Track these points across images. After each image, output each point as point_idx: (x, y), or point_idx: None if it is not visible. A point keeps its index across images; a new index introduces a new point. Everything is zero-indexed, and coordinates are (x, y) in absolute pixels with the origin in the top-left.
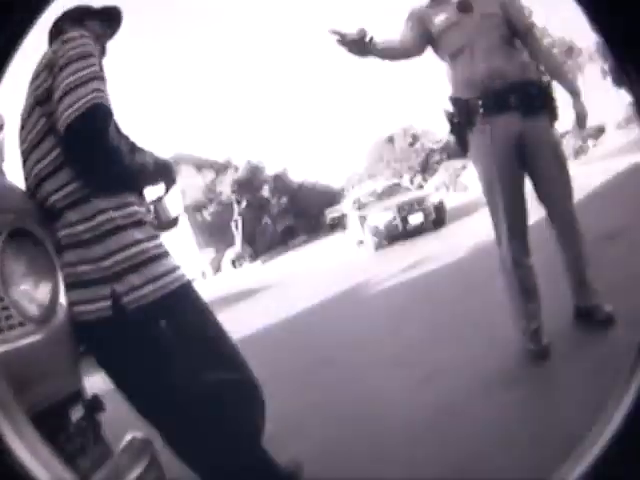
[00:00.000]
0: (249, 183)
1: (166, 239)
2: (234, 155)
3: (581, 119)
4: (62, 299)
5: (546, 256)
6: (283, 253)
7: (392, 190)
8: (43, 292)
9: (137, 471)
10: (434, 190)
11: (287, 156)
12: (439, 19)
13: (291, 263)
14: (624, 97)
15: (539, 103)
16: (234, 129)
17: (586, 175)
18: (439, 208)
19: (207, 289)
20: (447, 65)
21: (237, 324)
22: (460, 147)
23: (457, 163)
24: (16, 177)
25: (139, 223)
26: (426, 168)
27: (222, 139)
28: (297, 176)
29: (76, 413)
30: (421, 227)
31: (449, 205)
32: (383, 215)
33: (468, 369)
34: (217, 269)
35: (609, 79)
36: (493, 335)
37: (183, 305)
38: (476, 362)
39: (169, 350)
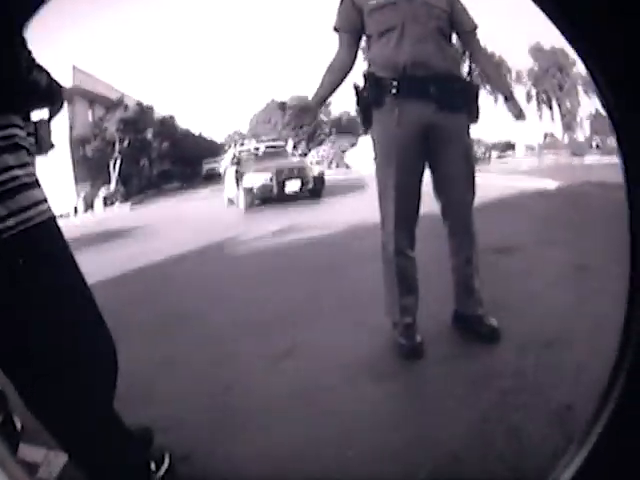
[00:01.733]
0: (134, 123)
1: (44, 167)
2: (126, 94)
3: (521, 114)
4: None
5: (430, 252)
6: (155, 198)
7: (274, 153)
8: None
9: None
10: (316, 161)
11: (176, 102)
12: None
13: (161, 209)
14: (545, 124)
15: (459, 100)
16: (131, 67)
17: (484, 185)
18: (318, 179)
19: (75, 225)
20: (369, 42)
21: (95, 266)
22: (363, 123)
23: (345, 140)
24: None
25: (14, 147)
26: (312, 138)
27: (119, 75)
28: (182, 124)
29: None
30: (296, 195)
31: (328, 180)
32: (260, 176)
33: (331, 351)
34: (89, 205)
35: (533, 103)
36: (361, 320)
37: (44, 244)
38: (341, 346)
39: (23, 293)
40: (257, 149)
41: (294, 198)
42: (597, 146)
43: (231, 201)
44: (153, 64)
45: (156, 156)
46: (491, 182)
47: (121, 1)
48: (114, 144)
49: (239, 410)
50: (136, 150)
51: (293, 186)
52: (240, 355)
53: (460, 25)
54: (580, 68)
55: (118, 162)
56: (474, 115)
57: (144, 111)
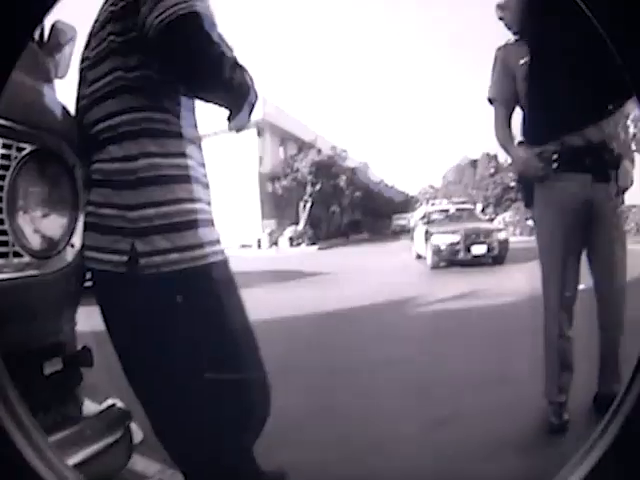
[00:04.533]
0: (328, 168)
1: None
2: (321, 137)
3: None
4: (76, 239)
5: (582, 329)
6: (342, 245)
7: (463, 215)
8: (54, 226)
9: (103, 442)
10: (502, 226)
11: (371, 153)
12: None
13: (347, 257)
14: None
15: (612, 170)
16: (328, 112)
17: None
18: (503, 245)
19: (258, 259)
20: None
21: (273, 304)
22: (524, 199)
23: (527, 210)
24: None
25: (186, 179)
26: (500, 202)
27: (315, 119)
28: (376, 174)
29: (51, 366)
30: (481, 259)
31: (512, 245)
32: (449, 237)
33: (485, 423)
34: (274, 242)
35: None
36: (519, 394)
37: (209, 285)
38: (495, 418)
39: (176, 330)
40: (447, 210)
41: (478, 263)
42: None
43: (419, 256)
44: (351, 107)
45: (347, 204)
46: None
47: (325, 42)
48: (305, 185)
49: (379, 470)
50: (328, 195)
51: (479, 250)
52: (394, 415)
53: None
54: None
55: (309, 205)
56: (625, 183)
57: (338, 157)
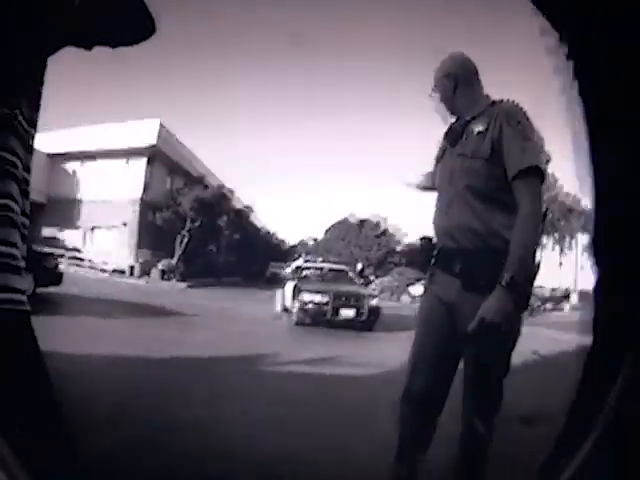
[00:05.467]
0: (210, 206)
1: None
2: (209, 174)
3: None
4: None
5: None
6: (213, 285)
7: (337, 276)
8: None
9: None
10: (379, 290)
11: (257, 197)
12: (439, 145)
13: (214, 300)
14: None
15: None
16: (221, 150)
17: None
18: (374, 311)
19: (127, 288)
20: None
21: (132, 341)
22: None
23: (412, 272)
24: None
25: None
26: (382, 265)
27: (207, 155)
28: (260, 219)
29: None
30: (348, 322)
31: (388, 312)
32: (317, 297)
33: None
34: (145, 272)
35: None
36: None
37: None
38: None
39: None
40: (321, 269)
41: (345, 325)
42: None
43: (286, 310)
44: (244, 148)
45: (225, 245)
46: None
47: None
48: (185, 220)
49: None
50: (206, 234)
51: (347, 313)
52: None
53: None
54: None
55: (185, 240)
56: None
57: (224, 197)
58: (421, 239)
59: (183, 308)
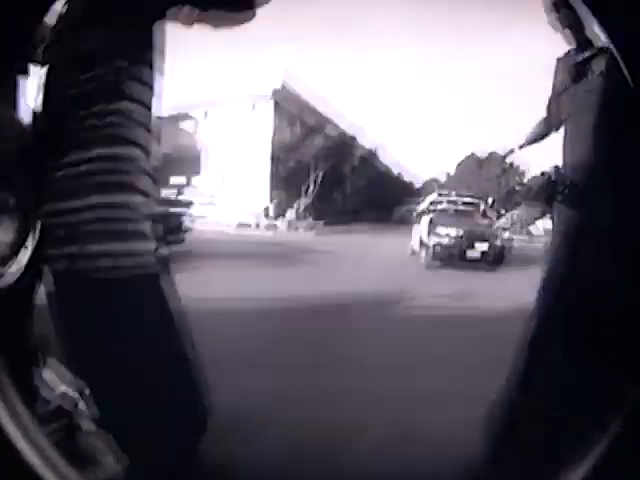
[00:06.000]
0: (334, 155)
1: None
2: (330, 122)
3: None
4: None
5: None
6: (339, 233)
7: (468, 210)
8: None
9: None
10: (509, 224)
11: (378, 141)
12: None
13: (346, 247)
14: None
15: None
16: (339, 98)
17: None
18: (503, 247)
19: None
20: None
21: (259, 283)
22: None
23: (535, 211)
24: None
25: (122, 186)
26: (510, 198)
27: (325, 103)
28: (382, 163)
29: None
30: (479, 258)
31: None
32: (452, 230)
33: (447, 445)
34: (280, 214)
35: None
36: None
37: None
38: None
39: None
40: (455, 202)
41: (476, 261)
42: None
43: (414, 252)
44: (364, 92)
45: (350, 192)
46: None
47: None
48: (308, 169)
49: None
50: (330, 182)
51: (481, 247)
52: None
53: None
54: None
55: (310, 190)
56: None
57: (346, 145)
58: (542, 174)
59: (318, 254)
